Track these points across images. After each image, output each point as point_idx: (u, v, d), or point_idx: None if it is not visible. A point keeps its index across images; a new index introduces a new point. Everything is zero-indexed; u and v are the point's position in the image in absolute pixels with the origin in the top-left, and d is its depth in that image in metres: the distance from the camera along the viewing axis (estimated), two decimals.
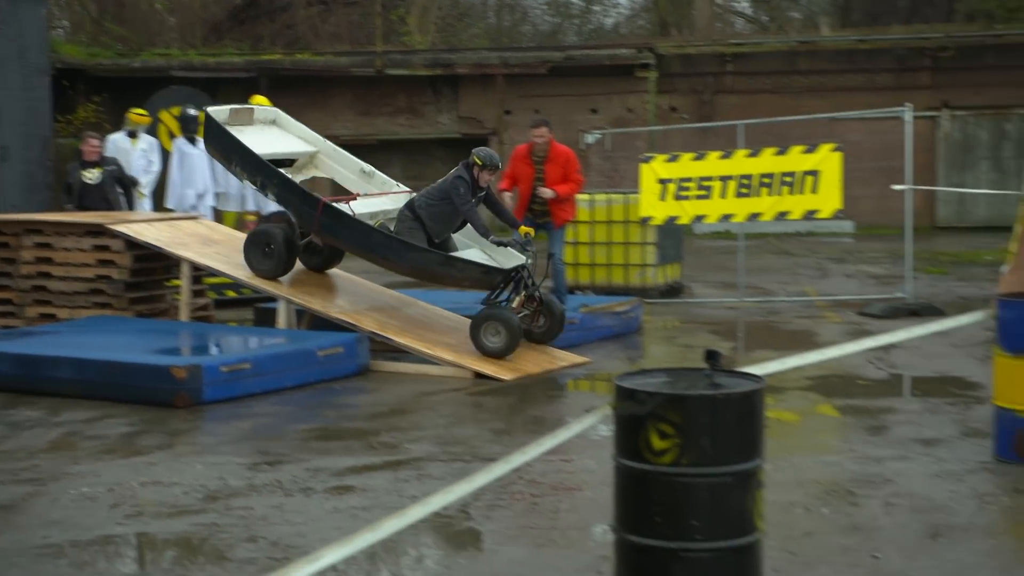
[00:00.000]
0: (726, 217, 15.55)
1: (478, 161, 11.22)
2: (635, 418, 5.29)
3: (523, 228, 11.53)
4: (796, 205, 15.02)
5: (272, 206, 13.35)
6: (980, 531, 6.65)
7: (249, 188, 13.18)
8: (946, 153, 26.04)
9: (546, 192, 12.78)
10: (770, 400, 9.24)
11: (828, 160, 14.80)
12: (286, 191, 11.62)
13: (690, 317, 14.73)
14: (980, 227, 24.76)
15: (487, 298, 11.26)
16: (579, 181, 13.11)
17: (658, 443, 5.24)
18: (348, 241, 11.51)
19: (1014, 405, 7.82)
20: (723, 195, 15.30)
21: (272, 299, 11.93)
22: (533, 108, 25.27)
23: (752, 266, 17.87)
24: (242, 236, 12.50)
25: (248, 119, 12.56)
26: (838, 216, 15.70)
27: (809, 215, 15.24)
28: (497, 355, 10.88)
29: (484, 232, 11.34)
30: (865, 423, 9.20)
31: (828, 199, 14.85)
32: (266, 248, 11.65)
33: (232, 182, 15.81)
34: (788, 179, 14.96)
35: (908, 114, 15.10)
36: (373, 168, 12.60)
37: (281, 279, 11.77)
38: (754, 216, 15.35)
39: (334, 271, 12.41)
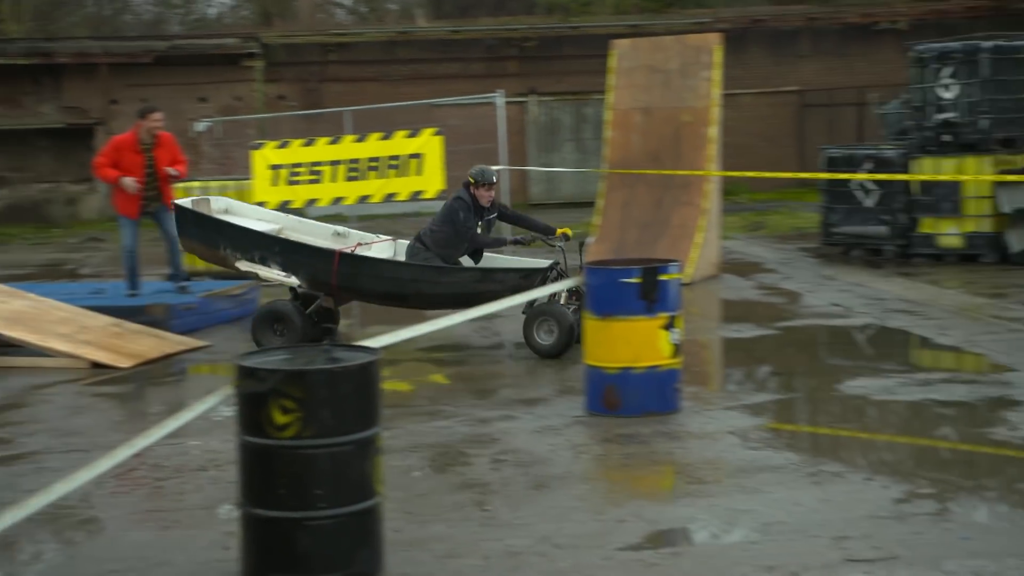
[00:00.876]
0: (337, 200, 15.66)
1: (471, 179, 10.59)
2: (257, 395, 5.28)
3: (561, 229, 10.88)
4: (403, 187, 15.33)
5: None
6: (576, 478, 7.05)
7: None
8: (535, 135, 27.20)
9: (172, 171, 12.49)
10: (386, 372, 9.40)
11: (430, 144, 15.17)
12: (293, 255, 10.84)
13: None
14: (567, 203, 26.00)
15: (528, 304, 10.33)
16: (185, 162, 12.92)
17: (280, 418, 5.25)
18: (372, 285, 10.75)
19: (602, 363, 8.31)
20: (334, 179, 15.41)
21: None
22: (140, 97, 24.35)
23: None
24: None
25: (206, 209, 11.55)
26: (442, 196, 16.06)
27: (415, 196, 15.56)
28: (549, 354, 10.19)
29: (498, 243, 10.94)
30: (473, 388, 9.53)
31: (432, 180, 15.24)
32: (275, 326, 10.81)
33: None
34: (394, 162, 15.23)
35: (500, 100, 15.69)
36: (347, 228, 12.00)
37: None
38: (364, 198, 15.53)
39: None
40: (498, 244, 10.92)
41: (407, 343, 11.08)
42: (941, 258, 15.35)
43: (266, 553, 5.36)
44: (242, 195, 15.65)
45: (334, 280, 10.69)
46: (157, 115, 12.65)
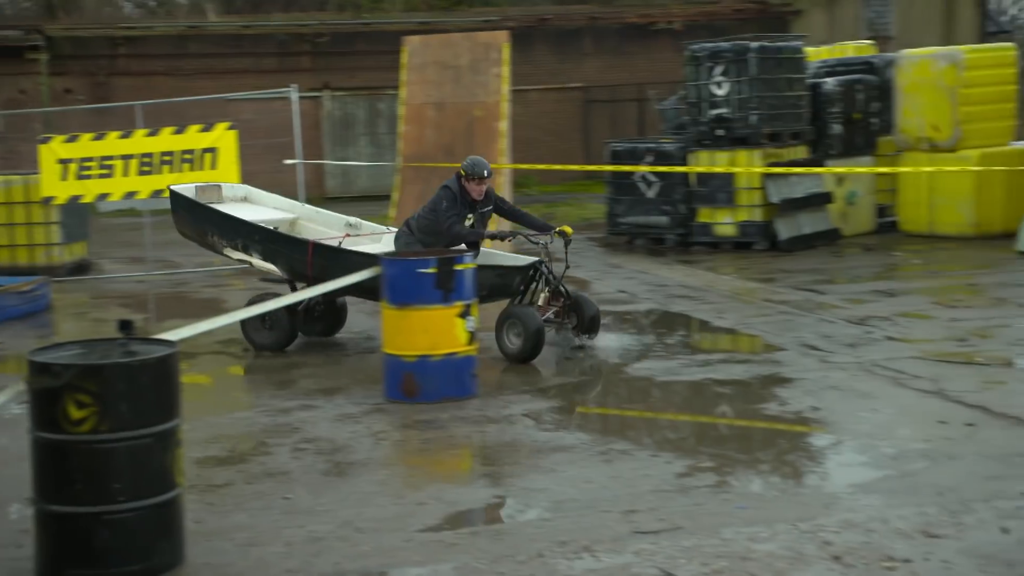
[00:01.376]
0: (130, 194, 15.17)
1: (462, 171, 9.81)
2: (51, 391, 5.10)
3: (561, 227, 10.11)
4: (198, 181, 14.92)
5: None
6: (376, 464, 7.05)
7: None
8: (330, 130, 26.96)
9: None
10: (184, 365, 9.18)
11: (224, 138, 14.86)
12: (272, 244, 10.28)
13: (100, 292, 14.26)
14: (363, 196, 25.86)
15: (510, 303, 9.77)
16: None
17: (75, 413, 5.10)
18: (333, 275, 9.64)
19: (400, 351, 8.33)
20: (126, 173, 14.93)
21: None
22: None
23: (159, 241, 17.50)
24: None
25: (216, 196, 11.07)
26: None
27: None
28: (518, 358, 9.42)
29: (475, 235, 9.83)
30: (273, 379, 9.41)
31: (227, 174, 14.89)
32: (265, 319, 10.12)
33: None
34: (188, 156, 14.85)
35: (294, 94, 15.48)
36: (359, 219, 11.28)
37: None
38: (157, 192, 15.05)
39: None
40: (475, 237, 9.87)
41: (205, 336, 10.87)
42: (717, 246, 15.89)
43: (63, 549, 5.19)
44: (29, 189, 15.11)
45: (309, 271, 10.06)
46: None
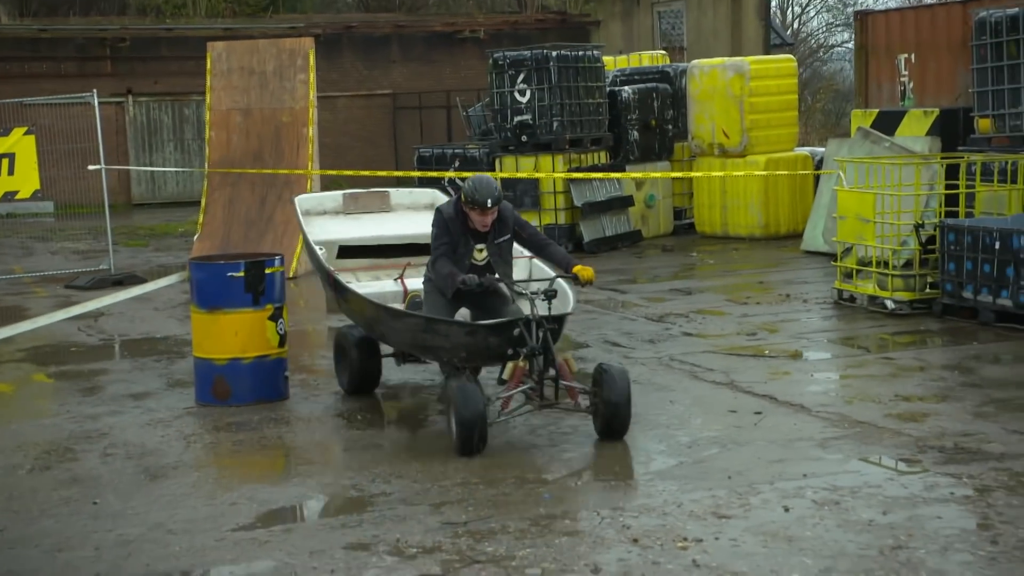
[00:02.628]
0: None
1: (463, 196, 7.40)
2: None
3: (578, 268, 7.41)
4: None
5: None
6: (188, 466, 6.99)
7: None
8: (135, 136, 26.29)
9: None
10: None
11: (22, 143, 14.41)
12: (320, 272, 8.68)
13: None
14: (172, 202, 25.35)
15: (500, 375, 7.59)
16: None
17: None
18: (352, 317, 8.42)
19: (211, 355, 8.26)
20: None
21: None
22: None
23: None
24: None
25: (373, 205, 9.43)
26: (37, 197, 15.29)
27: (9, 196, 14.71)
28: (456, 448, 6.90)
29: (449, 283, 7.36)
30: (79, 385, 9.19)
31: (26, 180, 14.47)
32: (340, 354, 8.60)
33: None
34: None
35: (94, 99, 15.09)
36: None
37: None
38: None
39: None
40: (449, 284, 7.39)
41: (7, 345, 10.56)
42: None
43: None
44: None
45: (334, 305, 8.81)
46: None
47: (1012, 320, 9.85)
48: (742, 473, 6.51)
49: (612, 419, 7.09)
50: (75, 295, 13.54)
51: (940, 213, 10.98)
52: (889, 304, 10.77)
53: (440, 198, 9.36)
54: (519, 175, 15.64)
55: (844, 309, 11.19)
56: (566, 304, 7.59)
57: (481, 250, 7.57)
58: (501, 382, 7.53)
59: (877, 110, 14.69)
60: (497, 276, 7.52)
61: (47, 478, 6.81)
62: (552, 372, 6.99)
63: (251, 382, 8.24)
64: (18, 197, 14.77)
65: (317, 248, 8.59)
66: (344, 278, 8.50)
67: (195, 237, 15.41)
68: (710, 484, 6.33)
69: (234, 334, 8.19)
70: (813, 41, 45.27)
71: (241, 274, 8.16)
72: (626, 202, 16.51)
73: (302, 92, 15.02)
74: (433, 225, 7.56)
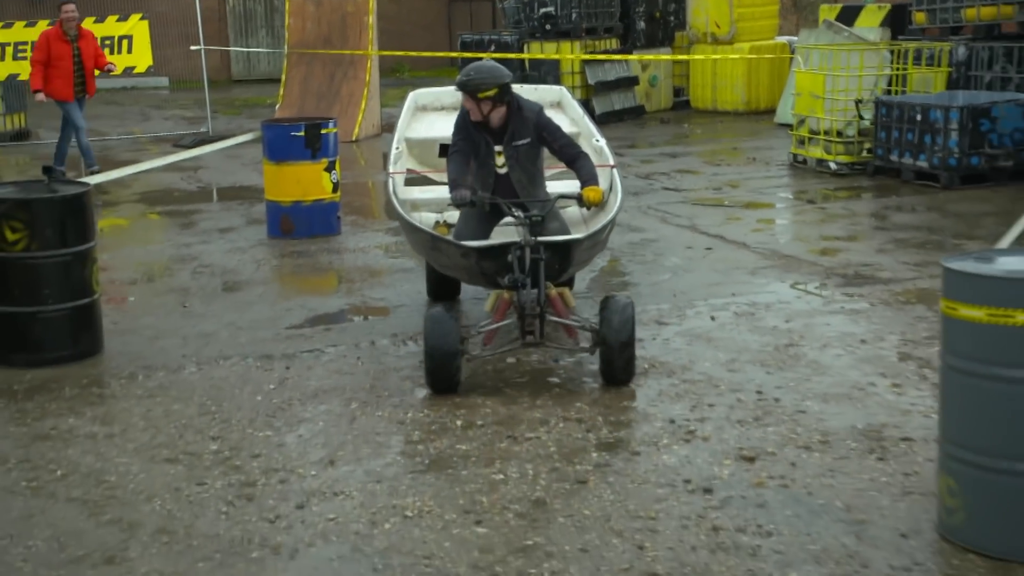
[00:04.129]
0: None
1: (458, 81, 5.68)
2: None
3: (588, 190, 5.58)
4: (118, 63, 14.76)
5: None
6: (257, 282, 7.53)
7: None
8: (234, 22, 26.43)
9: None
10: (107, 211, 9.53)
11: (138, 27, 14.72)
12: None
13: (37, 155, 14.16)
14: (265, 79, 25.55)
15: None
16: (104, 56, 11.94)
17: (11, 236, 5.47)
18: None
19: (278, 198, 8.74)
20: None
21: None
22: None
23: (87, 114, 17.32)
24: None
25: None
26: (151, 72, 15.68)
27: (128, 71, 15.11)
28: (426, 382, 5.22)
29: (451, 187, 5.66)
30: (179, 221, 9.72)
31: (141, 58, 14.84)
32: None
33: None
34: (108, 42, 14.65)
35: None
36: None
37: None
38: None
39: None
40: (451, 189, 5.67)
41: (126, 188, 11.09)
42: None
43: (7, 340, 5.63)
44: None
45: None
46: (66, 6, 11.31)
47: (927, 178, 10.09)
48: (685, 293, 6.91)
49: (608, 363, 5.20)
50: (180, 152, 14.02)
51: (884, 91, 11.08)
52: (832, 165, 11.00)
53: (567, 95, 7.69)
54: (543, 56, 15.76)
55: (797, 170, 11.42)
56: (575, 229, 5.86)
57: (499, 153, 5.74)
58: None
59: (841, 5, 14.58)
60: (490, 196, 5.65)
61: (151, 288, 7.39)
62: (537, 309, 5.16)
63: (309, 220, 8.70)
64: (135, 72, 15.16)
65: (395, 148, 7.03)
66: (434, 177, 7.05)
67: (276, 107, 15.78)
68: (659, 301, 6.74)
69: (296, 181, 8.63)
70: None
71: (302, 134, 8.57)
72: (632, 81, 16.58)
73: None
74: (455, 125, 5.83)
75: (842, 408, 4.94)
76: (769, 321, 6.25)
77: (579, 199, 5.61)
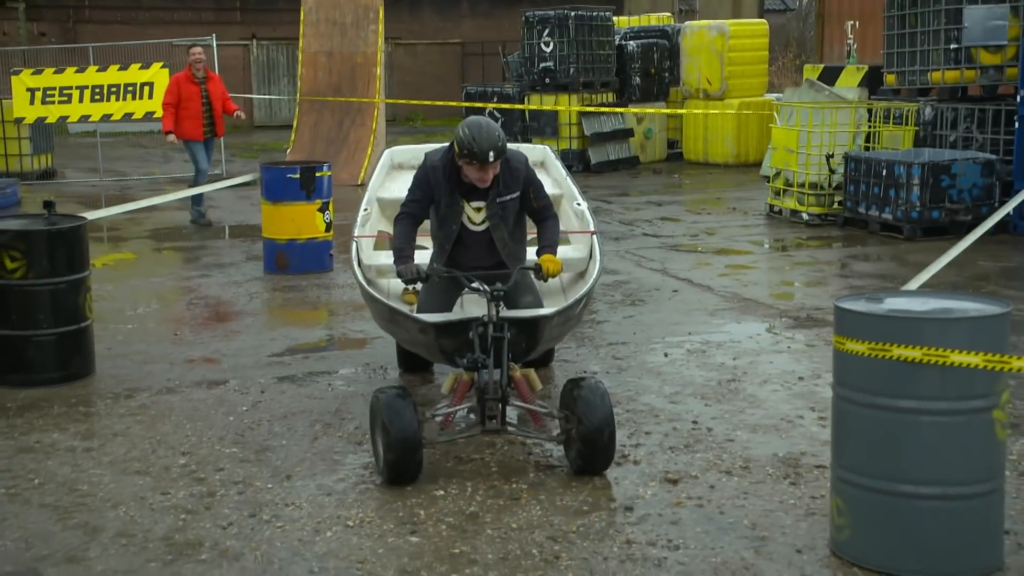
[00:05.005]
0: (85, 117, 15.44)
1: (455, 146, 4.90)
2: None
3: (545, 258, 4.96)
4: (138, 108, 15.27)
5: None
6: (247, 313, 7.80)
7: None
8: (257, 71, 27.05)
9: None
10: (107, 247, 9.80)
11: (159, 75, 15.16)
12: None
13: (61, 193, 14.58)
14: (284, 125, 25.99)
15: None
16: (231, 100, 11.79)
17: (10, 264, 5.76)
18: None
19: (274, 236, 9.04)
20: (81, 100, 15.20)
21: None
22: None
23: (111, 156, 17.87)
24: None
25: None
26: None
27: (149, 115, 15.53)
28: (383, 477, 4.54)
29: (395, 254, 5.01)
30: (183, 256, 10.04)
31: (161, 103, 15.23)
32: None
33: None
34: (130, 88, 15.16)
35: (213, 42, 15.81)
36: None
37: None
38: (106, 116, 15.37)
39: None
40: (396, 260, 4.99)
41: (135, 224, 11.41)
42: None
43: (3, 361, 5.89)
44: (3, 111, 15.31)
45: None
46: (194, 49, 11.60)
47: (892, 230, 10.30)
48: (646, 331, 7.13)
49: (590, 453, 4.52)
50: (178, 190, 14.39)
51: (864, 147, 11.33)
52: (805, 216, 11.23)
53: (550, 155, 6.96)
54: (542, 108, 16.12)
55: (772, 219, 11.66)
56: (554, 300, 5.41)
57: (479, 209, 5.03)
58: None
59: (823, 65, 14.88)
60: (446, 268, 4.98)
61: (148, 316, 7.67)
62: (499, 393, 4.48)
63: (303, 257, 8.99)
64: (155, 116, 15.55)
65: (363, 209, 6.37)
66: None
67: (287, 151, 16.19)
68: (620, 337, 6.95)
69: (291, 220, 8.93)
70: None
71: (297, 176, 8.88)
72: (627, 133, 16.92)
73: (373, 39, 15.59)
74: (413, 179, 5.12)
75: (768, 438, 5.13)
76: (718, 358, 6.45)
77: (536, 270, 4.92)
